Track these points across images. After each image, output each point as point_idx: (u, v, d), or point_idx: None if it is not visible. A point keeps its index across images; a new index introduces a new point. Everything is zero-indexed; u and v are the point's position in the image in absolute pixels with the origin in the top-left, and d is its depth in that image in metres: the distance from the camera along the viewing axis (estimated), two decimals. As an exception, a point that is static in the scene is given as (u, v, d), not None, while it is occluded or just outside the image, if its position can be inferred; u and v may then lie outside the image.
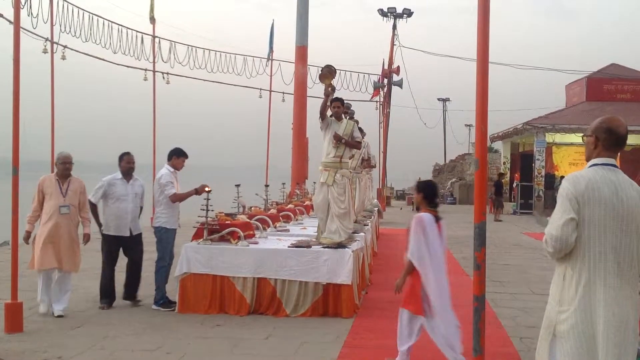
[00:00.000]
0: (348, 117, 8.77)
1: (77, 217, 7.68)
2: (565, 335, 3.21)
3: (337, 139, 8.09)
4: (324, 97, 8.18)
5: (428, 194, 5.69)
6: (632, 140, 27.88)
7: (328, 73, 8.32)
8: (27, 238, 7.45)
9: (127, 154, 8.21)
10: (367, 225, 10.97)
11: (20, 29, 7.20)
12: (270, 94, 23.20)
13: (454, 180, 43.41)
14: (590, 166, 3.31)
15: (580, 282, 3.20)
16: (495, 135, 35.74)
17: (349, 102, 12.36)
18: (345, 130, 8.18)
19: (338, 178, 8.06)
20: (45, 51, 15.09)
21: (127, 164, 8.14)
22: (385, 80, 28.71)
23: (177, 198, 7.97)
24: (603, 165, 3.28)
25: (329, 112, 8.28)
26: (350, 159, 8.75)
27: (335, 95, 8.41)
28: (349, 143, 8.20)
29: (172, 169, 8.15)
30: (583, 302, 3.17)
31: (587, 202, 3.19)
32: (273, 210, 10.41)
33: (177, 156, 8.23)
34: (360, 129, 11.73)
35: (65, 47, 15.82)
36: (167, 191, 7.93)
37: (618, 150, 3.35)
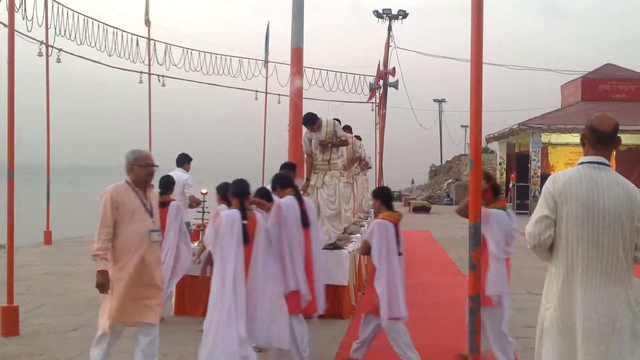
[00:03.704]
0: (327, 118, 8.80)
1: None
2: (548, 331, 3.26)
3: (324, 145, 8.15)
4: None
5: (161, 186, 7.25)
6: (628, 140, 28.06)
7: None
8: (106, 284, 4.75)
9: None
10: (364, 226, 10.97)
11: (15, 32, 7.19)
12: (266, 96, 23.20)
13: (450, 181, 43.47)
14: (578, 164, 3.33)
15: (559, 279, 3.23)
16: (491, 135, 35.81)
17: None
18: (327, 134, 8.21)
19: (327, 179, 8.08)
20: (40, 54, 15.05)
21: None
22: (381, 82, 28.76)
23: (194, 200, 8.89)
24: (589, 164, 3.28)
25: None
26: (339, 158, 8.76)
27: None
28: (335, 144, 8.26)
29: (187, 173, 9.25)
30: (562, 298, 3.20)
31: (565, 200, 3.21)
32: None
33: (187, 162, 9.38)
34: (358, 137, 11.74)
35: (60, 50, 15.78)
36: (191, 192, 8.95)
37: (604, 147, 3.30)
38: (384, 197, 5.78)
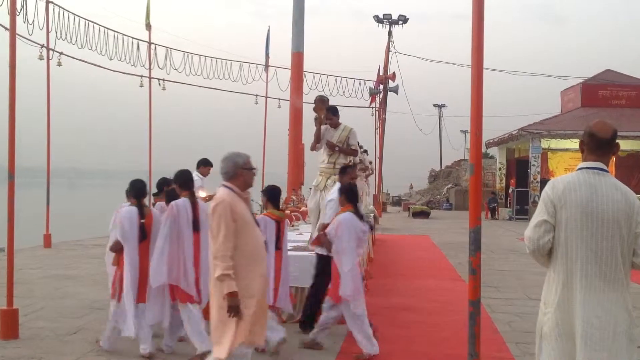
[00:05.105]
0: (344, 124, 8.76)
1: None
2: (547, 336, 3.27)
3: (331, 147, 8.10)
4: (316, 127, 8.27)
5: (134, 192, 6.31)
6: (627, 145, 28.10)
7: (320, 103, 8.40)
8: (237, 305, 4.14)
9: (353, 167, 7.35)
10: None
11: (16, 36, 7.21)
12: (266, 100, 23.27)
13: (449, 186, 43.48)
14: (577, 170, 3.35)
15: (558, 284, 3.25)
16: (491, 141, 35.84)
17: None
18: (339, 137, 8.17)
19: (330, 183, 8.06)
20: (41, 58, 15.08)
21: (352, 178, 7.06)
22: (381, 87, 28.81)
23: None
24: (588, 169, 3.30)
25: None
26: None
27: (331, 103, 8.44)
28: (343, 150, 8.18)
29: (201, 176, 9.53)
30: (562, 303, 3.22)
31: (564, 205, 3.23)
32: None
33: (204, 165, 9.68)
34: (359, 145, 11.75)
35: (61, 53, 15.83)
36: (199, 194, 8.75)
37: (603, 153, 3.33)
38: (270, 195, 6.34)
